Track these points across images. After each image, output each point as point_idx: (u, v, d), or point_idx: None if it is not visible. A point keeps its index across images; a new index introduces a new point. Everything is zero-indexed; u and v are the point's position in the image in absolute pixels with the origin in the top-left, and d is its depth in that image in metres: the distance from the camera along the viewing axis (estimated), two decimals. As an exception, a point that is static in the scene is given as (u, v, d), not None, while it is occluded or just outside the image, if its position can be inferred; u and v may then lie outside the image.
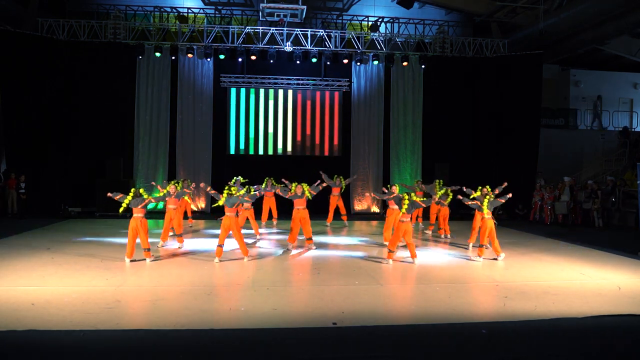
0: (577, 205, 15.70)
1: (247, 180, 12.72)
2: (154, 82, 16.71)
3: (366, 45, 17.02)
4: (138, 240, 9.13)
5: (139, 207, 8.98)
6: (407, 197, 9.25)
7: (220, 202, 9.22)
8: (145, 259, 9.07)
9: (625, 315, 6.28)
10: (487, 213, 9.67)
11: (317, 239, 11.86)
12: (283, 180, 12.82)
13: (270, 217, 13.66)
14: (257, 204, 13.20)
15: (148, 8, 17.44)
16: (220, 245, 9.21)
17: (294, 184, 10.94)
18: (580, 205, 15.63)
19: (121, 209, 9.21)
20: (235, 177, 12.94)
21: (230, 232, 9.21)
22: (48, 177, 15.54)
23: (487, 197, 9.78)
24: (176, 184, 11.36)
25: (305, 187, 10.64)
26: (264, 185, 13.03)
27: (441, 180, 13.65)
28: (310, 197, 10.62)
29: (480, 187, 10.85)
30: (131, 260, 8.93)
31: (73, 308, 6.14)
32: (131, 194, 9.02)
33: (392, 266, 9.06)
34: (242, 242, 9.35)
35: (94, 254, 9.61)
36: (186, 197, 12.27)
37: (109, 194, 9.20)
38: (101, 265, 8.59)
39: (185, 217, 12.93)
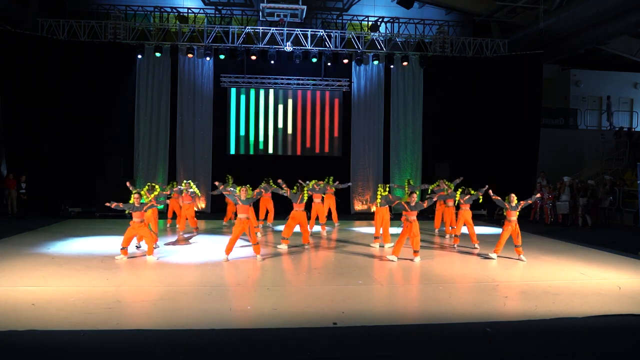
0: (577, 205, 15.68)
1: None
2: (154, 82, 16.71)
3: (366, 45, 17.02)
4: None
5: (141, 211, 9.11)
6: (380, 189, 10.06)
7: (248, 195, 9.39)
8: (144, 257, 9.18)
9: (626, 315, 6.27)
10: (514, 215, 9.73)
11: (318, 239, 11.89)
12: (279, 182, 12.62)
13: (265, 217, 13.67)
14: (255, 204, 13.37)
15: (148, 8, 17.45)
16: (257, 243, 9.38)
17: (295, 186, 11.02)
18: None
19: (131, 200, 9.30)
20: (227, 177, 13.05)
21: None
22: (48, 177, 15.54)
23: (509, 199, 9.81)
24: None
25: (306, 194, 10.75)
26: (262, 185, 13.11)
27: (446, 180, 13.59)
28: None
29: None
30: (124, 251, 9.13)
31: (73, 308, 6.13)
32: (133, 196, 9.17)
33: (392, 266, 9.06)
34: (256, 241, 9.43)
35: (94, 254, 9.61)
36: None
37: (107, 204, 9.25)
38: (101, 265, 8.59)
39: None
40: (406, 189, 12.62)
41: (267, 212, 13.60)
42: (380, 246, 10.92)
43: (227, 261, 9.10)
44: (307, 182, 12.30)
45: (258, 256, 9.35)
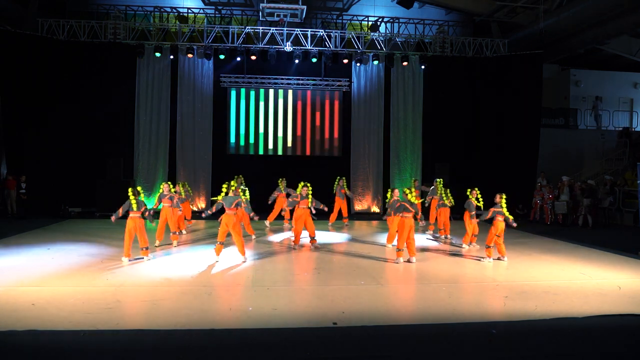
0: (577, 205, 15.69)
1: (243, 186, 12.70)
2: (154, 82, 16.71)
3: (366, 45, 17.01)
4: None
5: (135, 211, 9.16)
6: (389, 196, 9.69)
7: (219, 198, 9.33)
8: (143, 258, 9.14)
9: (626, 315, 6.27)
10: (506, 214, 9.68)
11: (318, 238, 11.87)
12: (289, 192, 12.93)
13: (281, 217, 13.75)
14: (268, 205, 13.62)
15: (148, 8, 17.45)
16: (220, 243, 9.18)
17: (300, 184, 11.07)
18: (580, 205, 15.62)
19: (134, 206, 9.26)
20: (236, 176, 12.96)
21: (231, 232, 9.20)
22: (48, 177, 15.53)
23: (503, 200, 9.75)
24: (169, 184, 11.15)
25: (309, 191, 10.76)
26: (282, 187, 13.26)
27: (442, 180, 13.62)
28: (310, 203, 10.73)
29: (469, 190, 11.00)
30: (130, 260, 9.01)
31: (73, 308, 6.13)
32: (130, 195, 9.19)
33: (392, 266, 9.06)
34: (241, 242, 9.29)
35: (94, 254, 9.62)
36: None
37: (112, 218, 9.40)
38: (101, 265, 8.59)
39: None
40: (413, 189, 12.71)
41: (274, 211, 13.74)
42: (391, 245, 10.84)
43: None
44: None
45: (241, 258, 9.27)
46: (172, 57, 16.47)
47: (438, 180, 13.40)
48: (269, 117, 17.52)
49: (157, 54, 16.33)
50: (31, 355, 4.81)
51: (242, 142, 17.50)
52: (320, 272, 8.51)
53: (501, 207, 9.59)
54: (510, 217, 9.67)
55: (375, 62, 17.42)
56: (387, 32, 17.89)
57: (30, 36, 15.44)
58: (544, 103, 18.54)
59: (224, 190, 9.44)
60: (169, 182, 11.42)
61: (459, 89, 17.54)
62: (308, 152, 17.71)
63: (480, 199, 10.66)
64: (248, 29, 16.46)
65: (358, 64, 17.33)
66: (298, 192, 10.83)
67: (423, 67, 17.52)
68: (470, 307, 6.63)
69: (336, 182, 14.16)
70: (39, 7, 16.44)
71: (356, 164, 17.70)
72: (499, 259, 9.73)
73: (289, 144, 17.67)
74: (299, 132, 17.71)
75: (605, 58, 22.07)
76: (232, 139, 17.45)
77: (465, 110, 17.60)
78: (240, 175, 13.30)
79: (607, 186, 15.89)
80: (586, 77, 21.78)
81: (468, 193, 10.97)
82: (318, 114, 17.73)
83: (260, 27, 16.51)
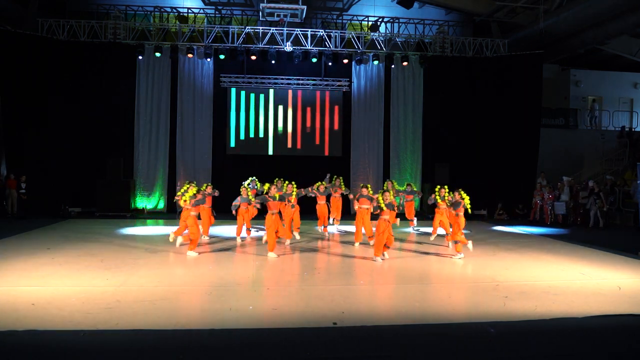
0: (577, 205, 15.68)
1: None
2: (154, 82, 16.71)
3: (366, 45, 17.02)
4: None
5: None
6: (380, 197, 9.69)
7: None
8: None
9: (626, 315, 6.27)
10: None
11: (318, 238, 11.89)
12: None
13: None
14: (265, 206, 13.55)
15: (148, 8, 17.45)
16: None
17: (285, 182, 11.24)
18: (581, 205, 15.61)
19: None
20: (251, 178, 12.90)
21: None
22: (48, 177, 15.54)
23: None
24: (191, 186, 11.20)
25: (295, 189, 11.19)
26: (266, 187, 13.13)
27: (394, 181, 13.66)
28: (294, 199, 11.09)
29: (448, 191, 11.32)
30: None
31: (73, 308, 6.13)
32: (190, 193, 9.84)
33: (392, 266, 9.06)
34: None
35: (94, 254, 9.61)
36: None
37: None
38: (101, 265, 8.58)
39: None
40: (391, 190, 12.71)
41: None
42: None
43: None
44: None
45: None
46: (172, 57, 16.48)
47: (391, 181, 13.51)
48: (269, 117, 17.51)
49: (157, 54, 16.34)
50: (31, 355, 4.81)
51: (242, 142, 17.50)
52: (320, 272, 8.51)
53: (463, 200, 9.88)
54: (468, 206, 9.99)
55: (375, 62, 17.43)
56: (387, 32, 17.89)
57: (30, 36, 15.45)
58: (544, 103, 18.55)
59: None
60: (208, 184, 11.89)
61: (459, 89, 17.54)
62: (308, 152, 17.69)
63: (447, 196, 10.92)
64: (248, 29, 16.46)
65: (358, 64, 17.33)
66: (284, 191, 11.17)
67: (423, 67, 17.52)
68: (470, 307, 6.63)
69: (332, 182, 14.01)
70: (39, 7, 16.45)
71: (356, 164, 17.70)
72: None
73: (289, 144, 17.66)
74: (299, 132, 17.71)
75: (605, 58, 22.07)
76: (232, 139, 17.45)
77: (465, 110, 17.60)
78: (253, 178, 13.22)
79: (607, 186, 15.89)
80: (586, 77, 21.80)
81: (436, 190, 11.16)
82: (318, 114, 17.73)
83: (260, 27, 16.52)
